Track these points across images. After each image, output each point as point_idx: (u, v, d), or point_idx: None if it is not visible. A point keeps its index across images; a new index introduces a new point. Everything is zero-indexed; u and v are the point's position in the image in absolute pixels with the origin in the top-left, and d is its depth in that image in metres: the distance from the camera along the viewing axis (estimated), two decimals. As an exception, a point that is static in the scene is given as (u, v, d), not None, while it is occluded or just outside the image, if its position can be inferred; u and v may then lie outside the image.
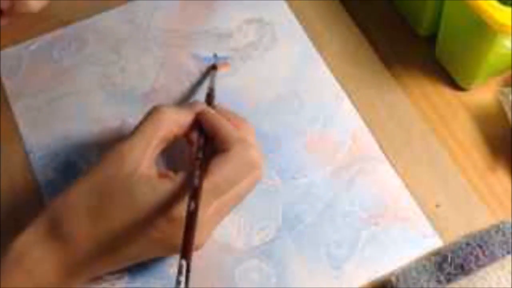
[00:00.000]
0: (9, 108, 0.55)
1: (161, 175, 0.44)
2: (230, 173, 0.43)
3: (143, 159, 0.43)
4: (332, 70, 0.56)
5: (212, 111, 0.47)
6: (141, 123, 0.45)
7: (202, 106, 0.47)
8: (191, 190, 0.41)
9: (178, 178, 0.43)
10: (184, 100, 0.55)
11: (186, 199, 0.41)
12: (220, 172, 0.42)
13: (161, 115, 0.45)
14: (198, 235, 0.40)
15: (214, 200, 0.43)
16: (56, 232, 0.42)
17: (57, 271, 0.42)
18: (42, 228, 0.42)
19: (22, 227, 0.50)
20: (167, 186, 0.42)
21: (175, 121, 0.45)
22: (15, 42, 0.58)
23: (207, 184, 0.42)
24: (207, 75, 0.56)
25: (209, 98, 0.51)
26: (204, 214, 0.42)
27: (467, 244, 0.46)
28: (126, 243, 0.42)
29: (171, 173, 0.44)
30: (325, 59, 0.57)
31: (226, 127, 0.45)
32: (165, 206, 0.41)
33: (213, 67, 0.55)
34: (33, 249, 0.42)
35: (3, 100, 0.55)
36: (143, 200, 0.42)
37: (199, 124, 0.46)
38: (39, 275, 0.41)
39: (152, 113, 0.45)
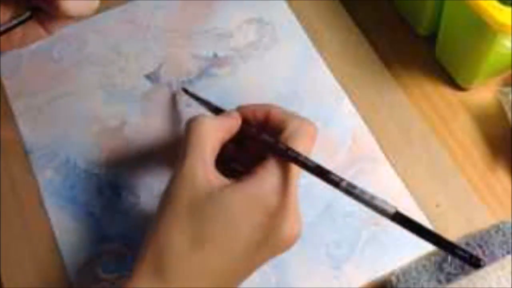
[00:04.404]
0: (9, 108, 0.55)
1: (237, 180, 0.42)
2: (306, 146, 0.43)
3: (208, 171, 0.41)
4: (332, 70, 0.56)
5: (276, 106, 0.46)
6: (187, 139, 0.42)
7: (236, 112, 0.46)
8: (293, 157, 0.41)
9: (258, 173, 0.41)
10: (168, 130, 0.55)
11: (273, 188, 0.40)
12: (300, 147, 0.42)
13: (202, 125, 0.42)
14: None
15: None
16: (162, 276, 0.39)
17: None
18: (148, 275, 0.39)
19: (22, 227, 0.50)
20: (252, 184, 0.40)
21: (219, 128, 0.44)
22: (15, 42, 0.58)
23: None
24: (175, 100, 0.55)
25: (216, 110, 0.50)
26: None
27: (467, 244, 0.46)
28: (236, 260, 0.40)
29: (245, 175, 0.42)
30: (325, 59, 0.57)
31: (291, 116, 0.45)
32: (259, 202, 0.40)
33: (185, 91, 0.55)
34: None
35: (3, 100, 0.55)
36: (236, 205, 0.40)
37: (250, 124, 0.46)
38: None
39: (193, 126, 0.43)
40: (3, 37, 0.47)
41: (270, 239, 0.41)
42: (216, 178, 0.41)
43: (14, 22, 0.47)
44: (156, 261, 0.39)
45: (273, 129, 0.44)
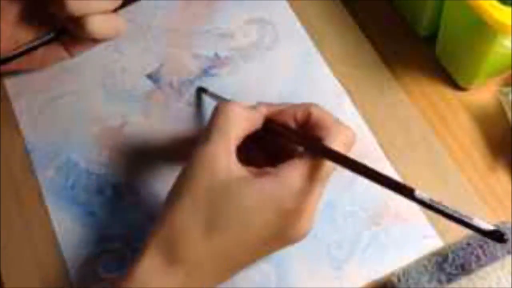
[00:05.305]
0: (10, 108, 0.55)
1: (257, 173, 0.42)
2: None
3: (230, 159, 0.41)
4: (332, 70, 0.56)
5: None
6: (213, 122, 0.42)
7: (263, 107, 0.45)
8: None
9: (280, 171, 0.40)
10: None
11: (294, 190, 0.40)
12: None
13: (231, 112, 0.42)
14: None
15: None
16: (172, 257, 0.40)
17: None
18: (158, 256, 0.40)
19: (22, 227, 0.50)
20: (272, 183, 0.40)
21: (247, 117, 0.43)
22: (16, 41, 0.58)
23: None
24: (200, 99, 0.55)
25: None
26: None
27: (468, 244, 0.46)
28: (244, 251, 0.41)
29: (268, 169, 0.42)
30: (326, 59, 0.57)
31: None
32: (276, 203, 0.40)
33: (202, 90, 0.55)
34: (153, 279, 0.40)
35: (4, 99, 0.55)
36: (252, 202, 0.40)
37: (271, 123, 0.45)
38: None
39: (222, 110, 0.42)
40: (25, 56, 0.47)
41: (279, 236, 0.41)
42: (236, 167, 0.41)
43: (38, 42, 0.47)
44: (168, 242, 0.40)
45: (311, 133, 0.43)
